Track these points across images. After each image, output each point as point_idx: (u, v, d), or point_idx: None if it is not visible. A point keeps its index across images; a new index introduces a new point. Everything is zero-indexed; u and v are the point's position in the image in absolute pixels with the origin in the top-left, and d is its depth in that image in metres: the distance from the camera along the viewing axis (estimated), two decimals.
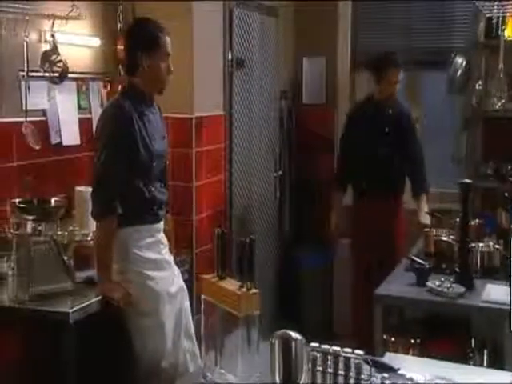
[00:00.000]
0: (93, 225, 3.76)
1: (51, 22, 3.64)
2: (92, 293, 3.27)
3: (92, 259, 3.58)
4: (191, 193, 4.47)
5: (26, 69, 3.58)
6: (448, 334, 3.51)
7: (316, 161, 6.00)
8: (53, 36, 3.63)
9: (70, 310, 3.04)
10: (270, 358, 2.19)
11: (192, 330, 3.54)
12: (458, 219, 4.17)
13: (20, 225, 3.51)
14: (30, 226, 3.46)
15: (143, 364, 3.29)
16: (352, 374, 2.08)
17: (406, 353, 3.36)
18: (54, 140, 3.96)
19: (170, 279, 3.44)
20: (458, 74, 5.29)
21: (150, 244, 3.39)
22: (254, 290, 2.24)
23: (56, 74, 3.70)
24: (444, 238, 3.99)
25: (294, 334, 2.18)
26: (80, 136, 4.17)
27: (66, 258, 3.26)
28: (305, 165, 6.02)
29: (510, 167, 5.16)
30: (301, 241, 5.98)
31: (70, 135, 4.07)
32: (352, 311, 5.12)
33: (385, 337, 3.40)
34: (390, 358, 2.55)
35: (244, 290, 2.24)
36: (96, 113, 4.25)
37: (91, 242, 3.63)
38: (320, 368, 2.14)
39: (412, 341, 3.45)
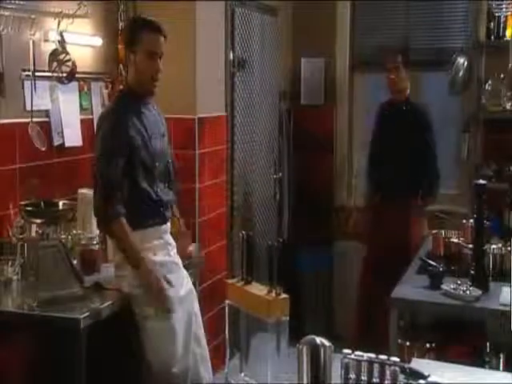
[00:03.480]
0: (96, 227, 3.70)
1: (56, 20, 3.55)
2: (101, 298, 3.19)
3: (98, 263, 3.53)
4: (194, 195, 4.40)
5: (32, 68, 3.49)
6: (463, 337, 3.46)
7: (315, 162, 5.94)
8: (61, 34, 3.54)
9: (81, 316, 2.95)
10: (297, 365, 2.12)
11: (202, 334, 3.48)
12: (464, 220, 4.17)
13: (24, 228, 3.44)
14: (34, 230, 3.39)
15: (154, 370, 3.22)
16: (387, 381, 2.02)
17: (422, 357, 3.30)
18: (57, 141, 3.87)
19: (179, 282, 3.38)
20: (460, 74, 5.25)
21: (158, 246, 3.33)
22: (283, 295, 2.17)
23: (64, 74, 3.61)
24: (454, 240, 3.94)
25: (322, 341, 2.12)
26: (82, 137, 4.08)
27: (75, 262, 3.17)
28: (303, 166, 5.96)
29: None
30: (300, 242, 5.92)
31: (72, 136, 3.98)
32: (358, 313, 5.11)
33: (400, 341, 3.34)
34: (415, 363, 2.49)
35: (273, 294, 2.16)
36: (97, 113, 4.17)
37: (97, 245, 3.57)
38: (353, 375, 2.07)
39: (428, 345, 3.39)
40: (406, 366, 2.07)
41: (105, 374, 3.21)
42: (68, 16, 3.50)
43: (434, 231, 4.15)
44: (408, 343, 3.41)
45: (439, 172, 4.95)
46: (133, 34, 3.30)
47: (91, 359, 3.00)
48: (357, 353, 2.08)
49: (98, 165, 3.20)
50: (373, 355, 2.06)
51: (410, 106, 5.00)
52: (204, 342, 3.50)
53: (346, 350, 2.10)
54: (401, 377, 2.16)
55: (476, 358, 3.27)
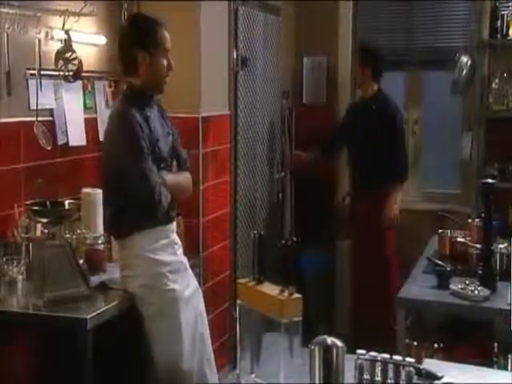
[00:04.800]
0: (101, 227, 3.69)
1: (61, 19, 3.52)
2: (107, 298, 3.18)
3: (104, 263, 3.52)
4: (198, 194, 4.37)
5: (38, 67, 3.46)
6: (471, 337, 3.44)
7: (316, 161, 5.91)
8: (67, 33, 3.52)
9: (88, 316, 2.92)
10: (309, 366, 2.11)
11: (207, 334, 3.47)
12: (470, 220, 4.15)
13: (29, 228, 3.42)
14: (38, 230, 3.37)
15: (160, 370, 3.20)
16: (402, 382, 2.00)
17: (430, 357, 3.28)
18: (61, 140, 3.85)
19: (186, 281, 3.36)
20: (463, 73, 5.25)
21: (164, 246, 3.30)
22: (296, 295, 2.14)
23: (71, 73, 3.58)
24: (460, 240, 3.92)
25: (334, 341, 2.10)
26: (86, 136, 4.06)
27: (81, 261, 3.15)
28: (305, 165, 5.92)
29: None
30: (302, 242, 5.89)
31: (76, 136, 3.96)
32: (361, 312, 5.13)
33: (407, 341, 3.32)
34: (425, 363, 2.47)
35: (286, 294, 2.14)
36: (101, 112, 4.16)
37: (102, 245, 3.56)
38: (367, 376, 2.06)
39: (435, 345, 3.37)
40: (421, 366, 2.05)
41: (111, 374, 3.19)
42: (74, 14, 3.47)
43: (440, 231, 4.13)
44: (415, 343, 3.38)
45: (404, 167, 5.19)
46: (146, 35, 3.22)
47: (97, 359, 2.98)
48: (371, 353, 2.06)
49: (131, 162, 3.15)
50: (387, 356, 2.04)
51: (372, 103, 5.20)
52: (209, 342, 3.48)
53: (360, 351, 2.09)
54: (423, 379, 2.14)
55: (484, 358, 3.25)
